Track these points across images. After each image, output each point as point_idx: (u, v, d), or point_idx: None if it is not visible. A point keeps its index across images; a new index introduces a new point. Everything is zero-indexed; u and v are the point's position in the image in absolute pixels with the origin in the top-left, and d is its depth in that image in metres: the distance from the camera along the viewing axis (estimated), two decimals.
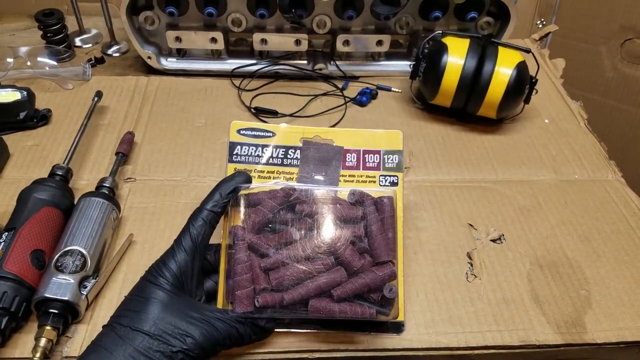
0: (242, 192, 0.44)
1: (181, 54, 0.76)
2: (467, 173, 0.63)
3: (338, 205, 0.44)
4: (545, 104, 0.74)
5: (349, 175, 0.48)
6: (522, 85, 0.66)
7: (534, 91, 0.68)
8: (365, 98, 0.72)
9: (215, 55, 0.76)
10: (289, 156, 0.48)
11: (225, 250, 0.43)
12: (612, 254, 0.54)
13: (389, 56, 0.78)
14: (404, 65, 0.78)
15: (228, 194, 0.43)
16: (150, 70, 0.75)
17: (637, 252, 0.54)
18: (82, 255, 0.46)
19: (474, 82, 0.65)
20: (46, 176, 0.54)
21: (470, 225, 0.56)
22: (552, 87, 0.78)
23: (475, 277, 0.50)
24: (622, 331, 0.47)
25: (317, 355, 0.44)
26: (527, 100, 0.69)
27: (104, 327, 0.39)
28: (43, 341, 0.41)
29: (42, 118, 0.65)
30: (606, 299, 0.49)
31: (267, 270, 0.41)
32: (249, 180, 0.45)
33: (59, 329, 0.43)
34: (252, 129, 0.49)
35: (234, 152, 0.48)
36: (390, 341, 0.45)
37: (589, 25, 0.99)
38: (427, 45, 0.70)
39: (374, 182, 0.48)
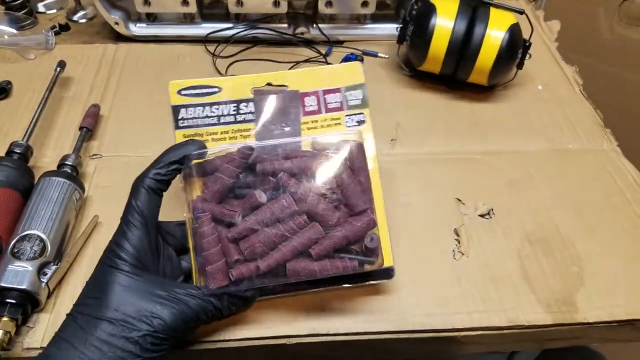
0: (196, 161, 0.40)
1: (151, 18, 0.71)
2: (456, 144, 0.59)
3: (303, 158, 0.40)
4: (538, 69, 0.70)
5: (312, 122, 0.43)
6: (515, 49, 0.62)
7: (528, 56, 0.64)
8: None
9: (187, 19, 0.71)
10: (241, 111, 0.43)
11: (190, 226, 0.40)
12: (607, 228, 0.51)
13: (375, 19, 0.74)
14: (391, 29, 0.73)
15: (173, 163, 0.39)
16: (119, 37, 0.71)
17: (633, 226, 0.51)
18: (41, 240, 0.43)
19: (464, 47, 0.61)
20: (3, 155, 0.50)
21: (458, 199, 0.53)
22: (546, 51, 0.74)
23: (462, 254, 0.48)
24: (614, 309, 0.44)
25: (294, 340, 0.42)
26: (520, 66, 0.65)
27: (66, 316, 0.37)
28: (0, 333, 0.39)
29: (1, 91, 0.61)
30: (599, 276, 0.47)
31: (237, 240, 0.38)
32: (202, 148, 0.41)
33: (18, 319, 0.40)
34: (194, 87, 0.43)
35: (179, 117, 0.43)
36: (372, 324, 0.43)
37: None
38: (415, 7, 0.65)
39: (339, 124, 0.44)
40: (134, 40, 0.70)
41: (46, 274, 0.42)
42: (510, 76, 0.66)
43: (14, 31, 0.69)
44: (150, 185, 0.38)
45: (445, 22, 0.61)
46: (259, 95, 0.43)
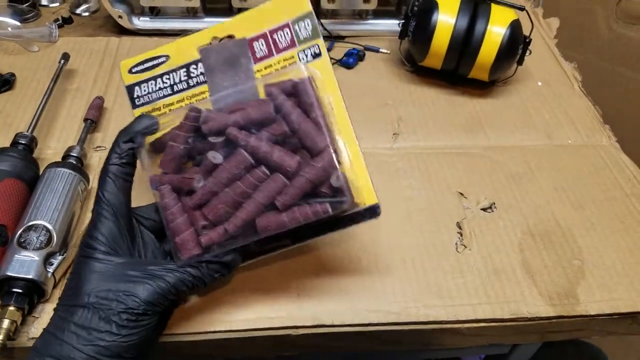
0: (149, 137, 0.38)
1: (154, 12, 0.71)
2: (458, 139, 0.60)
3: (248, 108, 0.37)
4: (538, 65, 0.71)
5: (265, 68, 0.40)
6: (516, 45, 0.63)
7: (528, 52, 0.65)
8: (352, 60, 0.69)
9: (191, 13, 0.71)
10: (192, 75, 0.41)
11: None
12: (606, 222, 0.52)
13: (377, 14, 0.74)
14: (393, 25, 0.73)
15: (127, 142, 0.38)
16: (122, 31, 0.71)
17: (632, 220, 0.52)
18: (47, 230, 0.43)
19: (466, 42, 0.62)
20: (8, 145, 0.50)
21: (460, 193, 0.53)
22: (545, 47, 0.75)
23: (465, 247, 0.48)
24: (615, 302, 0.45)
25: (300, 331, 0.42)
26: (520, 62, 0.65)
27: (53, 311, 0.37)
28: (6, 322, 0.39)
29: (5, 83, 0.61)
30: (600, 269, 0.47)
31: (200, 207, 0.37)
32: (152, 121, 0.38)
33: (24, 309, 0.40)
34: (143, 62, 0.41)
35: (134, 96, 0.41)
36: (376, 315, 0.43)
37: None
38: (416, 3, 0.66)
39: (294, 62, 0.40)
40: (137, 33, 0.70)
41: (52, 264, 0.42)
42: (510, 72, 0.67)
43: (18, 23, 0.69)
44: (114, 172, 0.38)
45: (447, 18, 0.62)
46: (206, 53, 0.40)
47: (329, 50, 0.70)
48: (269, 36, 0.40)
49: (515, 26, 0.62)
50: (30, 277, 0.40)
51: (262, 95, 0.38)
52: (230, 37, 0.41)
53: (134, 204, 0.40)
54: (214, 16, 0.72)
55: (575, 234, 0.50)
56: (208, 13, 0.72)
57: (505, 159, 0.58)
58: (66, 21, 0.71)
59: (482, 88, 0.66)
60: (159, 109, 0.41)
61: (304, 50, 0.40)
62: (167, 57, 0.41)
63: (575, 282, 0.46)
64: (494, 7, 0.63)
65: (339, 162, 0.36)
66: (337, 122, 0.39)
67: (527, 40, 0.64)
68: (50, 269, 0.42)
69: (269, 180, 0.36)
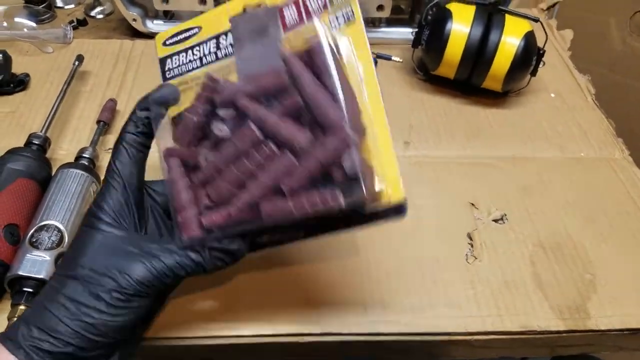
0: (172, 111, 0.36)
1: (168, 16, 0.71)
2: (470, 149, 0.60)
3: (263, 76, 0.33)
4: (551, 77, 0.71)
5: (295, 37, 0.36)
6: (530, 56, 0.63)
7: (541, 63, 0.65)
8: None
9: None
10: (221, 46, 0.37)
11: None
12: (618, 236, 0.51)
13: (389, 22, 0.74)
14: (406, 33, 0.73)
15: (143, 109, 0.36)
16: (136, 34, 0.71)
17: None
18: (59, 230, 0.43)
19: (480, 52, 0.62)
20: (22, 145, 0.50)
21: (472, 204, 0.53)
22: (559, 59, 0.75)
23: (476, 258, 0.48)
24: (627, 317, 0.45)
25: (308, 339, 0.42)
26: (533, 73, 0.65)
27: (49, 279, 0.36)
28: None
29: (19, 83, 0.61)
30: (611, 284, 0.47)
31: (205, 184, 0.34)
32: (171, 89, 0.36)
33: None
34: (177, 34, 0.39)
35: (166, 69, 0.39)
36: (385, 325, 0.43)
37: None
38: (430, 12, 0.66)
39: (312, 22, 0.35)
40: (150, 37, 0.71)
41: None
42: (523, 83, 0.66)
43: (33, 24, 0.70)
44: (128, 140, 0.36)
45: (461, 28, 0.62)
46: (235, 23, 0.37)
47: None
48: (301, 2, 0.36)
49: (529, 37, 0.62)
50: (41, 276, 0.40)
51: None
52: (262, 5, 0.37)
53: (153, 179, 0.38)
54: None
55: (587, 247, 0.50)
56: None
57: (517, 170, 0.57)
58: (81, 23, 0.72)
59: (495, 98, 0.66)
60: (186, 82, 0.38)
61: (336, 16, 0.35)
62: (200, 28, 0.38)
63: (586, 296, 0.46)
64: (508, 17, 0.63)
65: (357, 144, 0.30)
66: (366, 97, 0.34)
67: (541, 51, 0.64)
68: None
69: (276, 159, 0.31)
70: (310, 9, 0.35)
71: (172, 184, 0.34)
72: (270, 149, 0.31)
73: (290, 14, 0.36)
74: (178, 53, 0.39)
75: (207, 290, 0.44)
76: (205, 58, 0.38)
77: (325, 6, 0.35)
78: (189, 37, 0.39)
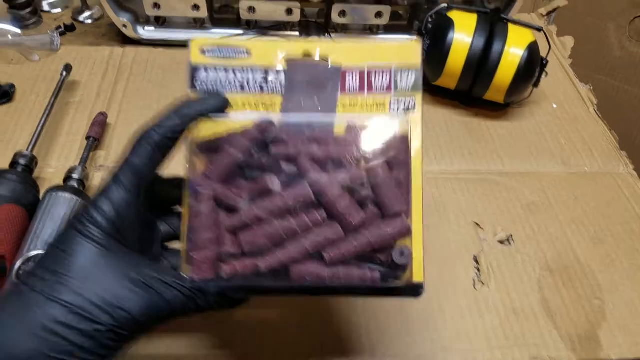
0: (197, 135, 0.33)
1: (160, 22, 0.69)
2: (472, 163, 0.58)
3: (331, 142, 0.33)
4: (553, 87, 0.69)
5: (350, 103, 0.36)
6: (534, 67, 0.61)
7: (544, 74, 0.63)
8: None
9: (197, 24, 0.69)
10: (269, 81, 0.37)
11: (188, 196, 0.32)
12: (626, 257, 0.50)
13: (388, 29, 0.72)
14: (405, 40, 0.72)
15: (190, 121, 0.32)
16: (126, 40, 0.68)
17: None
18: None
19: (482, 63, 0.60)
20: (7, 166, 0.48)
21: (477, 224, 0.52)
22: (560, 68, 0.73)
23: (483, 284, 0.47)
24: (637, 347, 0.44)
25: None
26: (536, 84, 0.64)
27: (16, 277, 0.31)
28: None
29: (4, 95, 0.59)
30: (620, 309, 0.46)
31: (237, 230, 0.32)
32: (223, 104, 0.34)
33: None
34: (221, 48, 0.37)
35: (196, 78, 0.36)
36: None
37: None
38: (430, 20, 0.64)
39: (384, 108, 0.36)
40: (141, 43, 0.68)
41: None
42: (526, 94, 0.65)
43: (18, 31, 0.66)
44: (155, 140, 0.31)
45: (463, 37, 0.60)
46: (293, 66, 0.37)
47: None
48: (366, 73, 0.37)
49: (533, 48, 0.60)
50: None
51: (338, 130, 0.34)
52: (324, 60, 0.37)
53: None
54: (222, 27, 0.69)
55: (595, 269, 0.49)
56: (215, 24, 0.70)
57: (520, 186, 0.56)
58: (68, 28, 0.69)
59: (496, 110, 0.65)
60: None
61: (398, 100, 0.36)
62: (249, 53, 0.37)
63: (596, 324, 0.45)
64: (511, 27, 0.61)
65: (407, 235, 0.32)
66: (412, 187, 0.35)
67: (544, 62, 0.62)
68: None
69: (325, 227, 0.31)
70: (373, 84, 0.36)
71: (196, 217, 0.32)
72: (322, 216, 0.32)
73: (351, 79, 0.36)
74: (216, 68, 0.37)
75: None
76: (248, 86, 0.37)
77: (389, 88, 0.36)
78: (234, 57, 0.37)
